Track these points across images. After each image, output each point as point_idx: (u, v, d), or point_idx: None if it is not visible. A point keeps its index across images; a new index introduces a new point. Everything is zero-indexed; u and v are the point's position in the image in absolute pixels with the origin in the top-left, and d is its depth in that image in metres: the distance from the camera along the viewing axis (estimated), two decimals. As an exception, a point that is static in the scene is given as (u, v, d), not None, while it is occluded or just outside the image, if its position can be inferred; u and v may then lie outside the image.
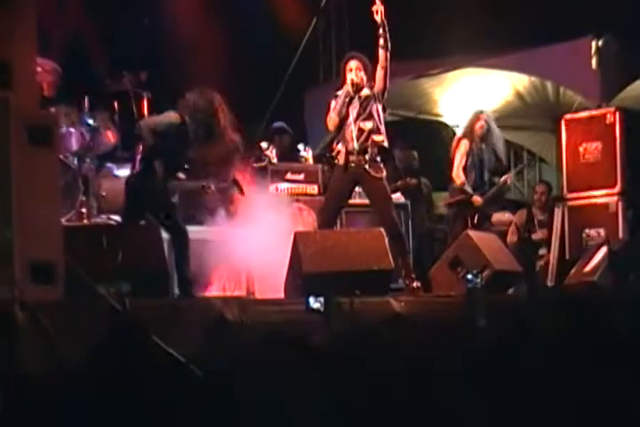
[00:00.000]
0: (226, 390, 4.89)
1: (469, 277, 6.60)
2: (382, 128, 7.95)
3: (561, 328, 6.06)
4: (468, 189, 9.40)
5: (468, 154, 9.43)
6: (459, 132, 11.41)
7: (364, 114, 7.92)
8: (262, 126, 10.81)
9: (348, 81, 7.92)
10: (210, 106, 7.44)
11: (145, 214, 7.59)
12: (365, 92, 7.96)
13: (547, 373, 5.54)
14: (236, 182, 8.05)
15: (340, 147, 7.97)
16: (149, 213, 7.58)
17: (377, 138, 7.91)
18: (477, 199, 9.40)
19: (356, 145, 7.86)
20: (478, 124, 9.52)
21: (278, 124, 10.51)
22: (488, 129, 9.57)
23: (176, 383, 4.73)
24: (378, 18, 7.80)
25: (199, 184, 7.89)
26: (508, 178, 9.74)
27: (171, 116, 7.56)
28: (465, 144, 9.44)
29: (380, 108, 7.96)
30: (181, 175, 7.64)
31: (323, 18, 11.80)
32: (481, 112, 9.70)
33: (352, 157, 7.91)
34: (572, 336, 5.93)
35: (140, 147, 7.84)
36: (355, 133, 7.88)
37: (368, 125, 7.90)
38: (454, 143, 9.57)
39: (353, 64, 7.98)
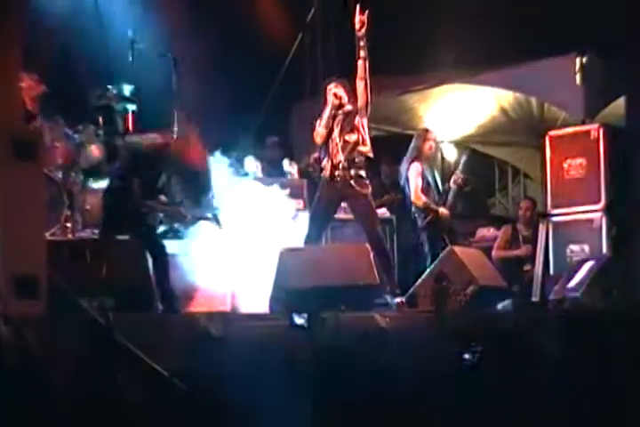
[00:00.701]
0: (210, 404, 4.88)
1: (466, 356, 6.43)
2: (368, 141, 7.99)
3: (547, 343, 6.07)
4: (432, 206, 9.34)
5: (423, 175, 9.39)
6: (443, 147, 11.47)
7: (348, 127, 7.97)
8: (250, 140, 10.83)
9: (330, 97, 8.00)
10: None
11: (122, 230, 7.57)
12: (348, 107, 8.02)
13: (535, 386, 5.55)
14: (215, 217, 8.02)
15: (325, 162, 8.00)
16: (126, 228, 7.56)
17: (363, 149, 7.96)
18: (444, 211, 9.32)
19: (341, 157, 7.90)
20: (427, 145, 9.48)
21: (272, 138, 10.53)
22: (436, 148, 9.62)
23: (160, 397, 4.71)
24: (358, 29, 7.90)
25: (177, 211, 7.86)
26: (457, 178, 9.64)
27: (154, 139, 7.56)
28: (417, 166, 9.37)
29: (364, 122, 8.01)
30: (162, 198, 7.64)
31: (309, 32, 11.81)
32: (427, 131, 9.70)
33: (338, 172, 7.93)
34: (558, 351, 5.94)
35: (119, 163, 7.86)
36: (340, 146, 7.92)
37: (353, 137, 7.95)
38: (404, 166, 9.49)
39: (332, 85, 8.12)
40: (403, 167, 9.48)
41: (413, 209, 9.51)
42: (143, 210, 7.43)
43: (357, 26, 7.92)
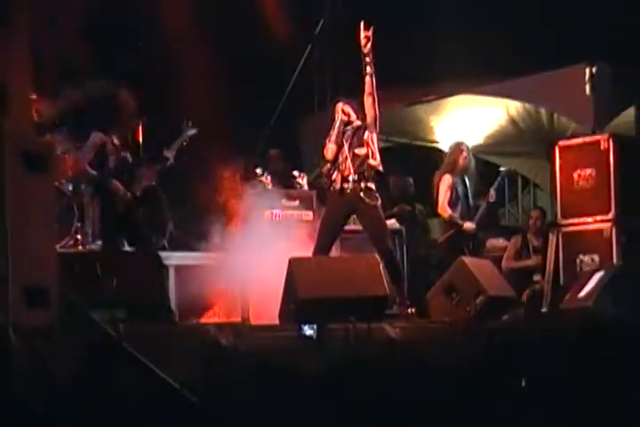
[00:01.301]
0: (220, 416, 4.88)
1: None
2: (377, 155, 8.02)
3: (558, 354, 6.07)
4: (457, 220, 9.42)
5: (452, 188, 9.46)
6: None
7: (358, 142, 8.02)
8: (257, 153, 10.86)
9: (339, 114, 8.10)
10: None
11: (122, 241, 7.63)
12: (357, 123, 8.09)
13: (544, 397, 5.54)
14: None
15: (335, 175, 8.04)
16: (126, 240, 7.61)
17: (372, 162, 7.99)
18: (469, 225, 9.42)
19: (351, 170, 7.94)
20: (462, 157, 9.56)
21: (274, 150, 10.56)
22: (470, 160, 9.65)
23: (171, 409, 4.72)
24: (364, 45, 7.92)
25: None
26: (492, 195, 9.72)
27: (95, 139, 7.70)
28: (448, 179, 9.47)
29: (374, 137, 8.04)
30: None
31: (317, 45, 11.83)
32: (461, 144, 9.76)
33: (347, 185, 7.97)
34: (568, 361, 5.94)
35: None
36: (350, 159, 7.96)
37: (362, 151, 7.99)
38: (437, 178, 9.58)
39: (340, 104, 8.17)
40: (435, 179, 9.56)
41: (437, 221, 9.62)
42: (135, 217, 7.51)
43: (362, 42, 7.95)
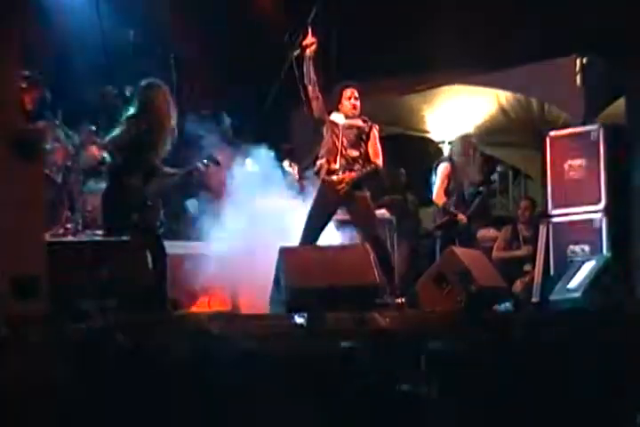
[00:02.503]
0: (212, 404, 4.89)
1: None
2: (375, 153, 8.03)
3: (547, 343, 6.08)
4: (452, 209, 9.45)
5: (450, 177, 9.49)
6: (445, 148, 11.49)
7: (352, 142, 8.01)
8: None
9: (347, 104, 8.05)
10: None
11: (126, 228, 7.60)
12: (358, 122, 8.06)
13: (536, 389, 5.55)
14: (211, 157, 8.02)
15: (324, 167, 8.03)
16: (126, 229, 7.58)
17: (378, 161, 8.04)
18: (462, 217, 9.44)
19: (339, 164, 7.94)
20: (464, 150, 9.60)
21: (286, 145, 10.57)
22: (474, 153, 9.68)
23: (161, 397, 4.73)
24: (308, 52, 7.93)
25: (186, 170, 7.91)
26: (489, 189, 9.78)
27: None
28: (446, 167, 9.50)
29: (375, 133, 8.04)
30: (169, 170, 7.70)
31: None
32: (466, 136, 9.81)
33: (335, 177, 7.97)
34: (558, 351, 5.95)
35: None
36: (339, 156, 7.96)
37: (354, 153, 8.00)
38: (437, 166, 9.65)
39: (350, 92, 8.16)
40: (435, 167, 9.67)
41: (432, 209, 9.64)
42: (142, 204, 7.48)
43: (308, 43, 7.96)
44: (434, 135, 12.21)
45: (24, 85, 8.28)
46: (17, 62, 5.71)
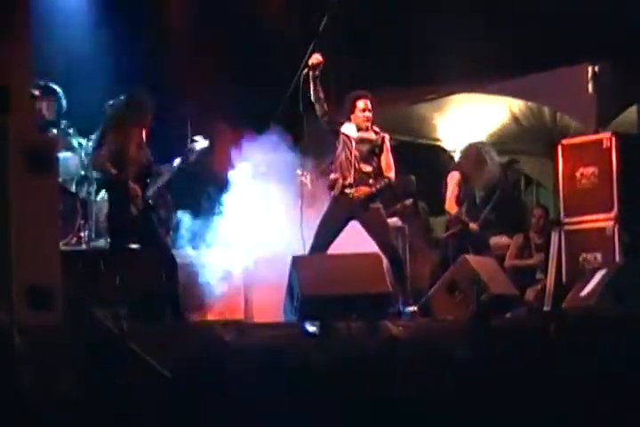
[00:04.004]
0: (224, 413, 4.90)
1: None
2: (388, 166, 8.02)
3: (561, 352, 6.07)
4: (464, 217, 9.48)
5: (460, 185, 9.53)
6: (456, 156, 11.48)
7: (365, 157, 8.00)
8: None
9: (360, 116, 8.05)
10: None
11: (130, 238, 7.63)
12: (371, 135, 8.04)
13: (546, 397, 5.54)
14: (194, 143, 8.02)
15: (337, 178, 8.01)
16: (135, 237, 7.61)
17: (390, 175, 8.07)
18: (474, 226, 9.47)
19: (353, 179, 7.93)
20: (476, 159, 9.65)
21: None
22: (483, 160, 9.71)
23: (172, 403, 4.74)
24: (314, 72, 7.90)
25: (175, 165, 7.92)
26: (501, 197, 9.80)
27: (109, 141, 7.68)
28: (456, 176, 9.56)
29: (387, 145, 8.03)
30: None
31: (320, 44, 11.83)
32: (476, 144, 9.84)
33: (349, 190, 7.95)
34: (569, 360, 5.94)
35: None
36: (353, 171, 7.94)
37: (367, 169, 7.98)
38: (448, 175, 9.72)
39: (363, 104, 8.11)
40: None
41: (446, 217, 9.68)
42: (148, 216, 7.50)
43: (314, 63, 7.93)
44: (445, 144, 12.20)
45: (37, 93, 8.32)
46: (31, 72, 5.74)
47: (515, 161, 10.62)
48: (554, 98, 10.35)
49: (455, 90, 11.18)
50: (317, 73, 7.92)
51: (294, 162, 9.21)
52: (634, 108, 9.83)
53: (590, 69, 9.69)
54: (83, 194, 9.12)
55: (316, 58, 7.93)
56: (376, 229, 8.01)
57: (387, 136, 8.19)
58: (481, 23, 10.67)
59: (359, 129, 8.08)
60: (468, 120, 11.54)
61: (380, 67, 10.78)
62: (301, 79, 8.05)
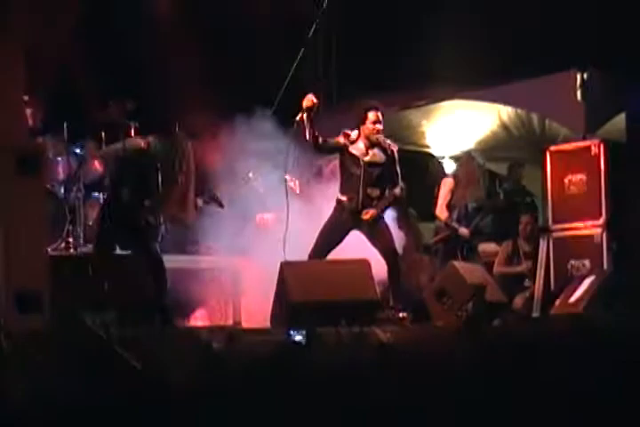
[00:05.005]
0: (212, 419, 4.88)
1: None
2: (392, 187, 8.03)
3: (548, 359, 6.07)
4: (454, 223, 9.52)
5: (453, 191, 9.58)
6: (445, 163, 11.50)
7: (374, 182, 8.00)
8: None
9: (371, 128, 8.01)
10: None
11: (115, 243, 7.61)
12: (380, 156, 8.02)
13: (538, 404, 5.54)
14: (214, 197, 8.04)
15: (344, 201, 7.97)
16: (121, 241, 7.59)
17: (397, 192, 8.11)
18: (464, 231, 9.51)
19: (359, 203, 7.91)
20: (468, 169, 9.71)
21: None
22: (476, 171, 9.76)
23: (162, 409, 4.72)
24: (308, 115, 7.82)
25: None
26: (495, 204, 9.86)
27: (136, 142, 7.61)
28: (449, 182, 9.63)
29: (395, 158, 8.04)
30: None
31: (311, 49, 11.83)
32: (470, 155, 9.92)
33: (353, 204, 7.96)
34: (558, 367, 5.94)
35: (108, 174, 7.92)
36: (360, 199, 7.92)
37: (375, 193, 7.96)
38: (441, 180, 9.79)
39: (374, 116, 8.06)
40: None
41: (436, 223, 9.71)
42: (137, 218, 7.46)
43: (309, 106, 7.86)
44: (434, 150, 12.21)
45: (27, 99, 8.30)
46: (20, 77, 5.73)
47: (519, 164, 10.67)
48: (542, 105, 10.36)
49: (444, 96, 11.19)
50: (312, 115, 7.83)
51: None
52: (622, 115, 9.84)
53: (579, 76, 9.70)
54: (71, 199, 9.10)
55: (309, 100, 7.82)
56: (379, 238, 7.96)
57: (395, 149, 8.14)
58: (470, 30, 10.69)
59: (368, 140, 8.02)
60: (456, 127, 11.56)
61: (368, 72, 10.78)
62: (295, 124, 7.96)
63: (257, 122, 9.08)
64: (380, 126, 8.05)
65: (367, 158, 8.01)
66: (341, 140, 8.04)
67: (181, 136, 7.78)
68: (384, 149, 8.07)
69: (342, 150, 8.04)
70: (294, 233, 8.20)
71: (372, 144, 8.04)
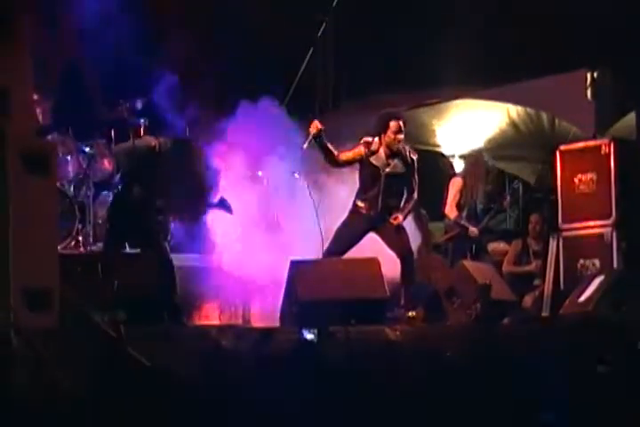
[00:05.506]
0: (221, 417, 4.89)
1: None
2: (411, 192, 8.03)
3: (557, 357, 6.07)
4: (463, 222, 9.53)
5: (462, 191, 9.60)
6: (455, 162, 11.50)
7: (393, 192, 8.00)
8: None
9: (393, 137, 7.95)
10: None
11: (125, 242, 7.63)
12: (400, 167, 7.99)
13: (541, 402, 5.54)
14: (223, 203, 8.06)
15: (362, 207, 7.96)
16: (131, 239, 7.61)
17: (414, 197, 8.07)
18: (473, 230, 9.53)
19: (378, 209, 7.90)
20: (476, 168, 9.73)
21: None
22: (486, 170, 9.78)
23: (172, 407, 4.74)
24: (317, 140, 7.78)
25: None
26: (506, 204, 9.88)
27: (147, 141, 7.63)
28: (458, 182, 9.66)
29: (414, 167, 8.00)
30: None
31: (320, 49, 11.83)
32: (478, 152, 9.93)
33: (372, 210, 7.95)
34: (567, 366, 5.94)
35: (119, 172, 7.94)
36: (379, 208, 7.91)
37: (392, 203, 7.94)
38: (450, 180, 9.80)
39: (397, 126, 7.98)
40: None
41: (445, 221, 9.72)
42: (147, 216, 7.49)
43: (315, 133, 7.80)
44: (444, 149, 12.20)
45: (36, 97, 8.33)
46: (29, 76, 5.74)
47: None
48: (552, 104, 10.36)
49: (454, 95, 11.19)
50: (323, 138, 7.79)
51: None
52: (632, 114, 9.83)
53: (589, 75, 9.70)
54: (81, 198, 9.12)
55: (315, 126, 7.78)
56: (395, 239, 7.93)
57: (415, 157, 8.11)
58: (480, 29, 10.69)
59: (389, 149, 7.97)
60: (466, 126, 11.55)
61: (379, 72, 10.78)
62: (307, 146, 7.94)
63: (264, 113, 9.05)
64: (401, 136, 7.98)
65: (388, 170, 7.97)
66: (362, 149, 7.98)
67: (192, 138, 7.81)
68: (404, 158, 8.02)
69: (362, 161, 8.00)
70: (307, 230, 8.21)
71: (392, 153, 7.99)
